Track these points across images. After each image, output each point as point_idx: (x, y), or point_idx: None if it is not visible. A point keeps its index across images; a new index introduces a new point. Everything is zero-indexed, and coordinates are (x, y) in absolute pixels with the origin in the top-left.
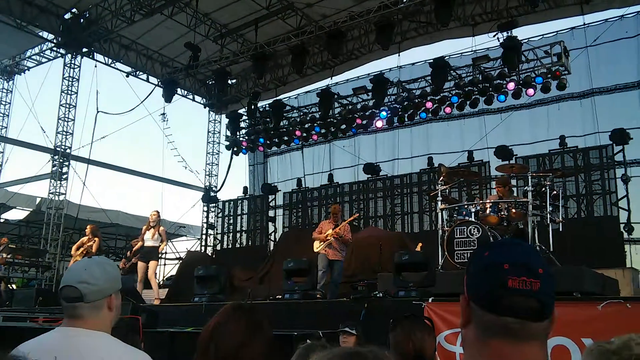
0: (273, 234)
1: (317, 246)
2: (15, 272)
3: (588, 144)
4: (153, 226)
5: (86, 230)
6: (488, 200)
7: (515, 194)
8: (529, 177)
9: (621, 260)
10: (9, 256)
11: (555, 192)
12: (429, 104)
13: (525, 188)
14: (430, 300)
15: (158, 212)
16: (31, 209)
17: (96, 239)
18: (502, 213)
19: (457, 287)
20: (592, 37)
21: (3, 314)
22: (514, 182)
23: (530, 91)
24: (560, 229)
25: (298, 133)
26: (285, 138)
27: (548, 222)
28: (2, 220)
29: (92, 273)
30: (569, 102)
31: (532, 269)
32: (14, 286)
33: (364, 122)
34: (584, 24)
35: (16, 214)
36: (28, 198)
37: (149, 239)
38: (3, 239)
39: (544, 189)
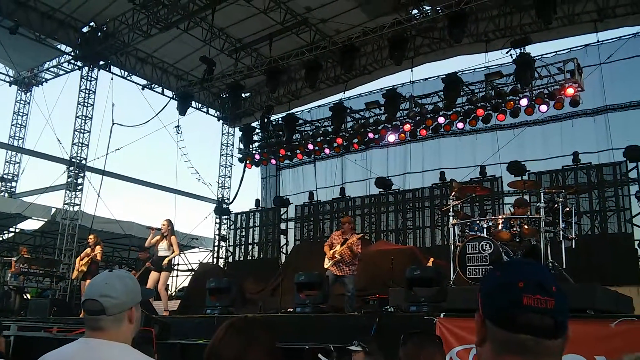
0: (285, 246)
1: (326, 263)
2: (29, 282)
3: (602, 160)
4: (165, 235)
5: (89, 240)
6: (500, 216)
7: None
8: (542, 193)
9: (635, 278)
10: (24, 266)
11: (567, 209)
12: (441, 119)
13: (538, 204)
14: (441, 315)
15: (169, 221)
16: (46, 220)
17: (98, 247)
18: (515, 229)
19: (469, 303)
20: (605, 54)
21: (18, 324)
22: (526, 197)
23: (543, 107)
24: (573, 246)
25: (310, 147)
26: (298, 151)
27: (561, 239)
28: (17, 230)
29: (113, 286)
30: (582, 119)
31: (546, 287)
32: (28, 296)
33: (376, 136)
34: (598, 41)
35: (31, 224)
36: (43, 208)
37: (162, 249)
38: (23, 249)
39: (556, 205)
